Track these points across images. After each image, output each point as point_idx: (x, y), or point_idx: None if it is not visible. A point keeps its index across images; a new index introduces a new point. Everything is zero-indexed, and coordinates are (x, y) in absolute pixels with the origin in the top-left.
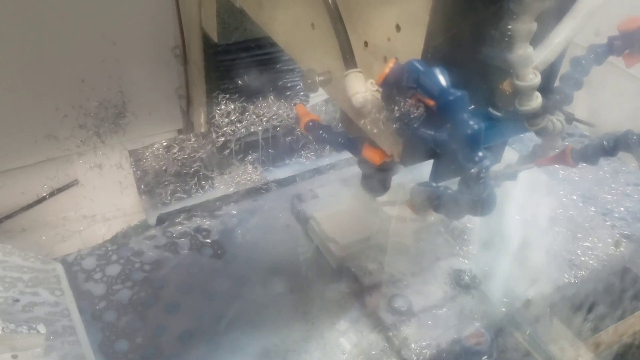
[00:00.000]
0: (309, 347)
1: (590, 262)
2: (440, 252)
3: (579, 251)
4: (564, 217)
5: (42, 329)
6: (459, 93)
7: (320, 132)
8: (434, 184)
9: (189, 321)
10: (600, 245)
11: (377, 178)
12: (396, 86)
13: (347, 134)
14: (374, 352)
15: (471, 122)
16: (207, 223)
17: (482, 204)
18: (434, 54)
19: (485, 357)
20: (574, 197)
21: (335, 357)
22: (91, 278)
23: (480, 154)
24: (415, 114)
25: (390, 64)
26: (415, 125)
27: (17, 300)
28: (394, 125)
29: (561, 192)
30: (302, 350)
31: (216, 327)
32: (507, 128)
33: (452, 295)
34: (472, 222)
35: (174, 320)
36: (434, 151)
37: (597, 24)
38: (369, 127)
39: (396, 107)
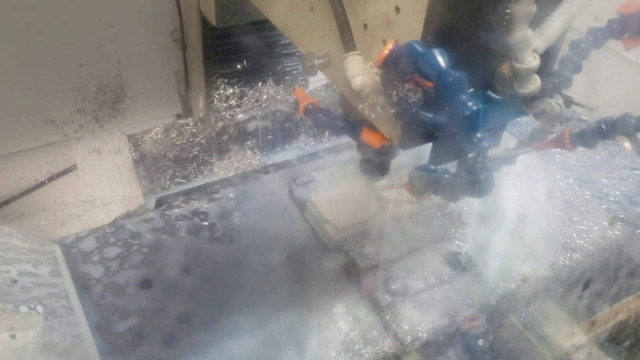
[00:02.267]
0: (305, 329)
1: (586, 245)
2: (436, 234)
3: (574, 234)
4: (560, 200)
5: (40, 309)
6: (457, 74)
7: (319, 115)
8: (432, 167)
9: (186, 303)
10: (595, 228)
11: (375, 162)
12: (395, 68)
13: (347, 118)
14: (370, 333)
15: (470, 103)
16: (204, 206)
17: (480, 186)
18: (433, 36)
19: (482, 340)
20: (570, 181)
21: (331, 339)
22: (89, 260)
23: (478, 135)
24: (414, 97)
25: (390, 46)
26: (414, 108)
27: (16, 281)
28: (393, 109)
29: (557, 176)
30: (298, 331)
31: (214, 310)
32: (506, 111)
33: (448, 277)
34: (469, 206)
35: (171, 302)
36: (432, 134)
37: (597, 10)
38: (367, 110)
39: (395, 91)
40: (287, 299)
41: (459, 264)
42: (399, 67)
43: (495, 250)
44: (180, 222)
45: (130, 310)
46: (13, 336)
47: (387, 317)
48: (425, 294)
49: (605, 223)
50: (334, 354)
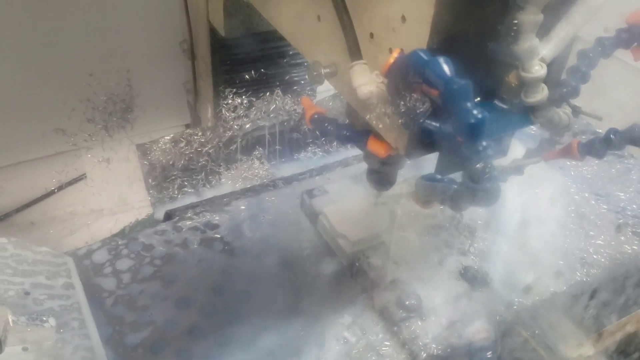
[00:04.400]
0: (317, 343)
1: (602, 260)
2: (450, 248)
3: (590, 249)
4: (576, 214)
5: (52, 322)
6: (463, 82)
7: (326, 124)
8: (438, 176)
9: (199, 316)
10: (613, 243)
11: (382, 172)
12: (401, 76)
13: (353, 127)
14: (383, 349)
15: (475, 112)
16: (216, 218)
17: (486, 195)
18: (439, 45)
19: (490, 352)
20: (586, 195)
21: (343, 354)
22: (101, 272)
23: (484, 143)
24: (421, 106)
25: (395, 54)
26: (421, 118)
27: (28, 294)
28: (399, 118)
29: (572, 190)
30: (310, 345)
31: (226, 322)
32: (514, 120)
33: (462, 291)
34: (484, 220)
35: (184, 314)
36: (439, 143)
37: (606, 21)
38: (374, 119)
39: (401, 100)
40: (299, 313)
41: (474, 279)
42: (404, 75)
43: (510, 264)
44: (193, 234)
45: (142, 323)
46: (25, 349)
47: (401, 331)
48: (439, 308)
49: (622, 237)
50: None
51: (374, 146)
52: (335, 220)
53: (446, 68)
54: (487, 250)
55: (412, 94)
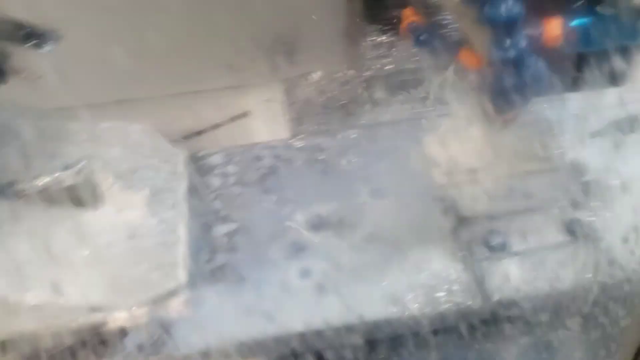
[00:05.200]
0: (388, 267)
1: None
2: (561, 198)
3: None
4: None
5: (146, 192)
6: None
7: (419, 35)
8: None
9: (279, 223)
10: None
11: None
12: None
13: (445, 38)
14: (454, 286)
15: None
16: (326, 142)
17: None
18: None
19: None
20: None
21: (413, 282)
22: (211, 172)
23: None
24: None
25: None
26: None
27: (136, 171)
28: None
29: None
30: (381, 268)
31: (300, 235)
32: (621, 31)
33: (561, 244)
34: (620, 179)
35: (269, 220)
36: None
37: None
38: (464, 25)
39: None
40: (384, 240)
41: (578, 232)
42: None
43: (628, 228)
44: (298, 153)
45: (232, 219)
46: (119, 210)
47: (480, 272)
48: (528, 255)
49: None
50: (411, 296)
51: (465, 58)
52: (432, 148)
53: None
54: (610, 210)
55: None
